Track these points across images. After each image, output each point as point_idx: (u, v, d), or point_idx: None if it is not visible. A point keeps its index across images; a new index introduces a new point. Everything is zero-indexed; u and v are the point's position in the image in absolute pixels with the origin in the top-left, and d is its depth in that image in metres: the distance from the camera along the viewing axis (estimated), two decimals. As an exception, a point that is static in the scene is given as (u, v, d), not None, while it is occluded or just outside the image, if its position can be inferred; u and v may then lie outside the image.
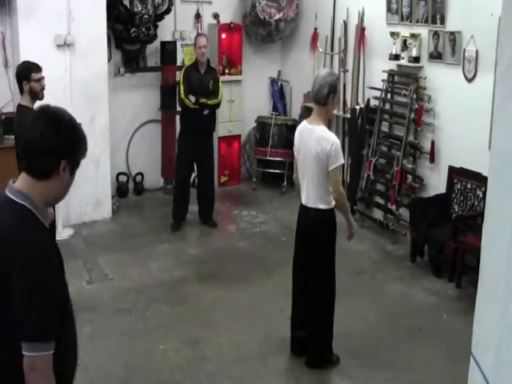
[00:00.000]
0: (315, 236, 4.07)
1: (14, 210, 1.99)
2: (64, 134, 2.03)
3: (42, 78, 4.70)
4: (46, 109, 2.08)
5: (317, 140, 3.88)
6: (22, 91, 4.66)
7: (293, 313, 4.35)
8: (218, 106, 6.56)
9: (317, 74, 4.03)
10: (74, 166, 2.09)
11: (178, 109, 6.79)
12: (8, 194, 2.03)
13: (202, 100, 6.36)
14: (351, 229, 4.22)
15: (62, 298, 2.05)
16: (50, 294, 1.94)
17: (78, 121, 2.15)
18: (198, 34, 6.77)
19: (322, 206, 3.99)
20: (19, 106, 4.71)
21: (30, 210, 2.00)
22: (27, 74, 4.60)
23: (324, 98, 3.89)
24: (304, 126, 4.04)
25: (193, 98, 6.36)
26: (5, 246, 1.93)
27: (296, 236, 4.25)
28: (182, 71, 6.56)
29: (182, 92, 6.40)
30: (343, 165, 4.47)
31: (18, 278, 1.90)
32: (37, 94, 4.65)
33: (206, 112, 6.42)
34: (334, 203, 4.02)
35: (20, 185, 2.04)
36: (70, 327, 2.16)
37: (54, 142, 2.01)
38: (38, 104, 4.71)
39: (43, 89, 4.69)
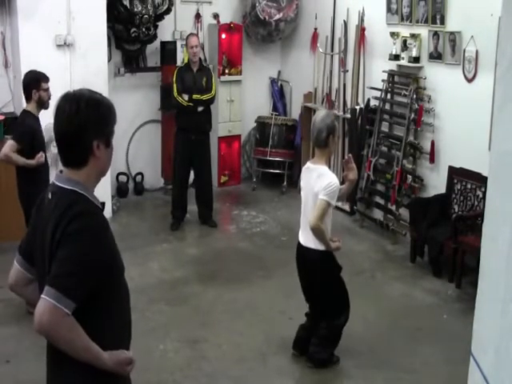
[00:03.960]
0: (318, 278, 4.08)
1: (66, 195, 2.04)
2: (85, 113, 2.01)
3: (49, 87, 4.77)
4: (65, 96, 2.07)
5: (317, 178, 3.92)
6: (29, 99, 4.71)
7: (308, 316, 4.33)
8: (211, 101, 6.56)
9: (314, 116, 4.06)
10: (107, 138, 2.09)
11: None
12: (57, 183, 2.08)
13: (195, 96, 6.37)
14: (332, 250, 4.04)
15: (102, 275, 2.02)
16: (89, 264, 1.96)
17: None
18: (189, 34, 6.78)
19: (322, 248, 3.97)
20: (24, 112, 4.76)
21: (81, 194, 2.05)
22: (37, 83, 4.67)
23: (324, 141, 3.92)
24: (308, 166, 4.08)
25: (186, 96, 6.37)
26: (56, 225, 1.98)
27: (298, 272, 4.21)
28: (175, 71, 6.57)
29: (175, 91, 6.41)
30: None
31: (66, 244, 1.95)
32: (44, 104, 4.72)
33: (200, 109, 6.43)
34: (334, 244, 3.99)
35: (66, 173, 2.08)
36: (122, 307, 2.21)
37: (79, 124, 2.00)
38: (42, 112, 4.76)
39: (49, 98, 4.75)
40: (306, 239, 4.02)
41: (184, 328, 4.70)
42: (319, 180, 3.89)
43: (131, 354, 2.25)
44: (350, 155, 4.16)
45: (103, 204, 2.12)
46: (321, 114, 4.02)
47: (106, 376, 2.09)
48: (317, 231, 3.86)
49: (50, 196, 2.09)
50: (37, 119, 4.71)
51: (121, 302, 2.19)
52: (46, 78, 4.71)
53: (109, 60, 6.91)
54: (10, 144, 4.56)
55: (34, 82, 4.66)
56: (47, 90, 4.71)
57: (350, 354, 4.34)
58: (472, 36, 5.53)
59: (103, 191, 6.83)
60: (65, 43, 6.33)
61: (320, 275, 4.07)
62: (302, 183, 4.10)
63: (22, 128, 4.67)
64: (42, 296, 1.93)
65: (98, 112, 2.04)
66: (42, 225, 2.09)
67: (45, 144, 4.75)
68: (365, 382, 4.10)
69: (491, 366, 1.92)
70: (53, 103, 4.66)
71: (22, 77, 4.82)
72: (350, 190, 4.19)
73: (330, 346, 4.21)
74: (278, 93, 8.51)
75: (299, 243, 4.11)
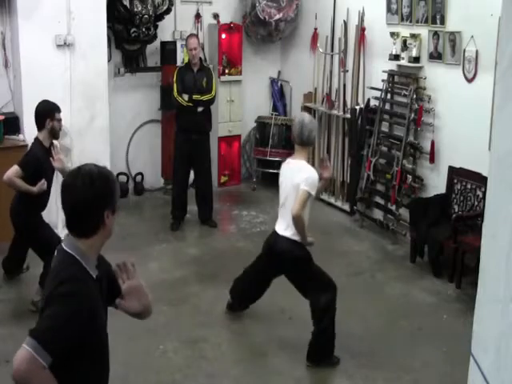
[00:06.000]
0: (291, 266, 4.26)
1: (63, 257, 2.22)
2: (99, 185, 2.19)
3: (61, 119, 4.91)
4: (73, 172, 2.22)
5: (298, 171, 4.15)
6: (41, 127, 4.79)
7: None
8: (211, 101, 6.55)
9: (300, 119, 4.26)
10: (114, 207, 2.24)
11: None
12: (63, 245, 2.26)
13: (195, 96, 6.37)
14: (307, 243, 4.24)
15: (80, 339, 2.14)
16: (69, 326, 2.09)
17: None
18: (189, 36, 6.75)
19: (297, 238, 4.17)
20: (35, 140, 4.84)
21: (77, 260, 2.20)
22: (52, 113, 4.78)
23: (313, 140, 4.28)
24: (288, 161, 4.33)
25: (186, 96, 6.37)
26: (49, 286, 2.17)
27: (265, 262, 4.45)
28: (176, 71, 6.57)
29: (175, 91, 6.41)
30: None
31: (51, 305, 2.11)
32: (56, 133, 4.84)
33: (200, 109, 6.43)
34: (309, 238, 4.20)
35: (72, 239, 2.25)
36: (99, 369, 2.31)
37: (94, 196, 2.16)
38: (55, 142, 4.90)
39: (60, 129, 4.90)
40: (283, 228, 4.23)
41: (184, 328, 4.70)
42: (300, 173, 4.12)
43: None
44: (326, 155, 4.38)
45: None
46: (307, 116, 4.34)
47: None
48: (298, 220, 4.05)
49: (56, 253, 2.26)
50: (46, 149, 4.80)
51: (98, 362, 2.31)
52: (58, 109, 4.85)
53: (109, 60, 6.90)
54: (14, 169, 4.67)
55: (48, 112, 4.77)
56: (60, 120, 4.85)
57: (350, 354, 4.34)
58: (472, 36, 5.53)
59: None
60: (65, 43, 6.32)
61: (293, 263, 4.24)
62: (282, 178, 4.31)
63: (28, 157, 4.80)
64: (23, 345, 2.04)
65: (108, 184, 2.23)
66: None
67: (50, 172, 4.83)
68: (365, 382, 4.10)
69: (491, 366, 1.92)
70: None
71: (36, 106, 4.87)
72: (324, 188, 4.46)
73: (325, 340, 4.22)
74: (278, 93, 8.51)
75: (275, 233, 4.31)
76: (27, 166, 4.67)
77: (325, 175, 4.27)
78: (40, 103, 4.86)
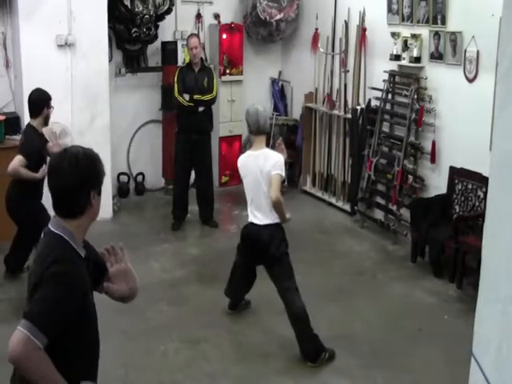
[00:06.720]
0: (276, 250, 4.29)
1: (52, 238, 2.24)
2: (85, 166, 2.21)
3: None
4: (60, 155, 2.25)
5: (265, 160, 4.26)
6: (37, 115, 4.92)
7: None
8: (213, 101, 6.56)
9: (255, 109, 4.43)
10: (99, 188, 2.28)
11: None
12: (50, 226, 2.28)
13: (196, 96, 6.37)
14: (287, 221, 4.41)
15: (72, 318, 2.16)
16: (61, 306, 2.11)
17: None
18: (190, 35, 6.76)
19: (278, 220, 4.31)
20: (30, 127, 4.95)
21: (65, 240, 2.23)
22: (48, 101, 4.94)
23: (269, 128, 4.46)
24: (249, 154, 4.40)
25: (187, 96, 6.38)
26: (39, 267, 2.17)
27: (250, 255, 4.50)
28: (177, 71, 6.58)
29: (176, 91, 6.41)
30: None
31: (42, 286, 2.12)
32: (48, 120, 5.00)
33: (201, 109, 6.43)
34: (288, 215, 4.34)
35: (59, 220, 2.27)
36: (91, 345, 2.36)
37: (80, 177, 2.19)
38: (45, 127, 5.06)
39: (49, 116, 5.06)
40: (263, 218, 4.29)
41: (185, 328, 4.70)
42: (267, 161, 4.24)
43: None
44: (280, 140, 4.56)
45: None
46: (259, 106, 4.50)
47: None
48: (278, 203, 4.18)
49: (42, 235, 2.28)
50: (41, 136, 4.94)
51: (90, 341, 2.35)
52: (51, 97, 4.98)
53: (110, 60, 6.91)
54: (19, 159, 4.75)
55: (45, 100, 4.91)
56: (52, 108, 5.00)
57: (351, 354, 4.34)
58: (473, 36, 5.52)
59: (104, 191, 6.86)
60: (66, 43, 6.33)
61: (278, 246, 4.28)
62: (246, 170, 4.36)
63: (31, 146, 4.87)
64: (18, 327, 2.06)
65: (94, 164, 2.28)
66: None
67: (47, 157, 4.92)
68: (365, 382, 4.10)
69: (492, 367, 1.91)
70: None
71: (29, 93, 5.02)
72: None
73: (308, 336, 4.23)
74: (279, 93, 8.51)
75: (253, 225, 4.34)
76: (31, 155, 4.76)
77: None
78: (35, 91, 4.97)
